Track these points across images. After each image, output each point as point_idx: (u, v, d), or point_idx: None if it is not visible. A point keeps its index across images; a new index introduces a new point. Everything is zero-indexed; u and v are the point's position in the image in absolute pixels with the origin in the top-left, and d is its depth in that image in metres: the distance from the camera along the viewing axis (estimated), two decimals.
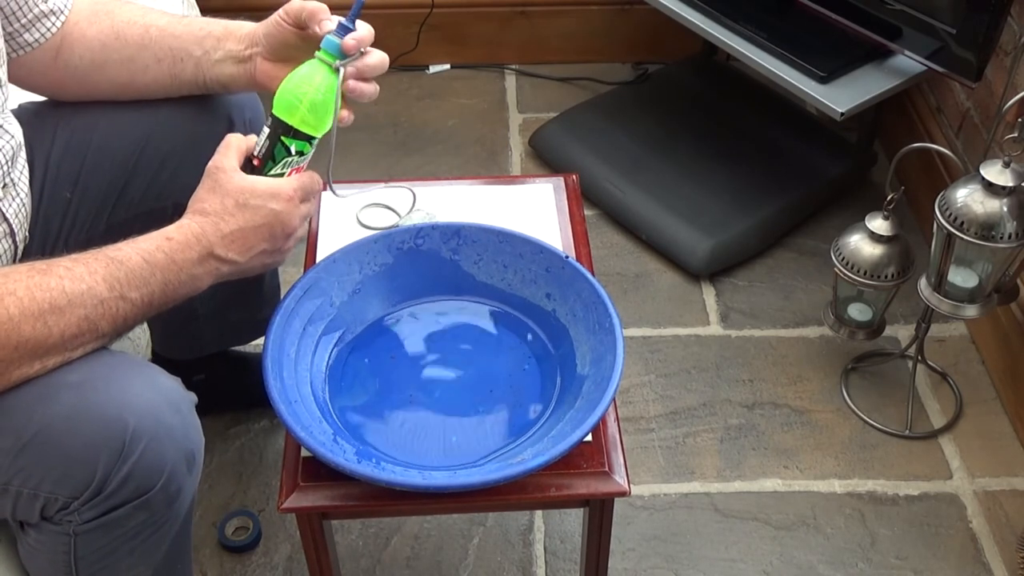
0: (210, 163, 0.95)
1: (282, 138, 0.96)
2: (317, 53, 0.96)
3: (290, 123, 0.95)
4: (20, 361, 0.83)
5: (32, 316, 0.82)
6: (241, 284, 1.32)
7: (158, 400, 0.88)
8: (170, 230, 0.92)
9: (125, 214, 1.13)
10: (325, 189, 1.06)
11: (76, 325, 0.85)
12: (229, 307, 1.33)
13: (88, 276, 0.86)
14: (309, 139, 0.97)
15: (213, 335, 1.38)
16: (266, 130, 0.97)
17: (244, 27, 1.06)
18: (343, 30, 0.95)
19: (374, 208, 1.23)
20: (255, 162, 0.96)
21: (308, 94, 0.95)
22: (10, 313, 0.81)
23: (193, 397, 0.93)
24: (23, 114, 1.11)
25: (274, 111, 0.96)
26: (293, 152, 0.96)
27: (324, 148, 0.99)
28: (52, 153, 1.09)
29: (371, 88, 0.99)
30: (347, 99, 0.99)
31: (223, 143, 0.97)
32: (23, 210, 1.02)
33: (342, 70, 0.95)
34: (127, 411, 0.85)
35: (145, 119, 1.11)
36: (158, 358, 1.44)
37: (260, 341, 1.43)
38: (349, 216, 1.22)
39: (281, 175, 0.97)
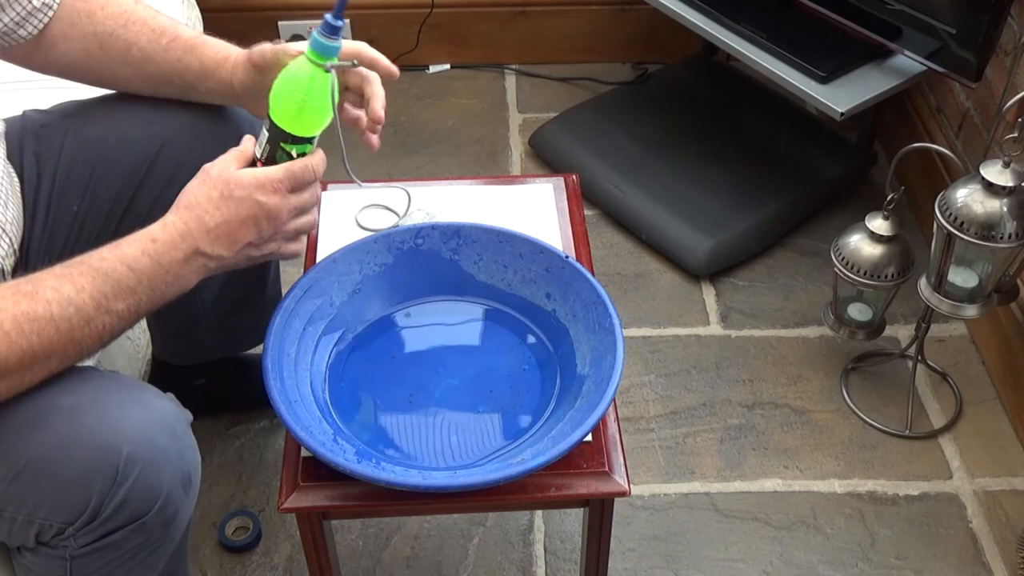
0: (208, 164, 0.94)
1: (282, 145, 0.94)
2: (306, 53, 0.92)
3: (288, 130, 0.93)
4: (6, 383, 0.82)
5: (20, 350, 0.81)
6: (243, 291, 1.32)
7: (152, 423, 0.86)
8: (155, 230, 0.90)
9: (131, 225, 1.11)
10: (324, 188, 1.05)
11: (63, 349, 0.84)
12: (230, 314, 1.32)
13: (76, 296, 0.84)
14: (309, 140, 0.96)
15: (214, 342, 1.37)
16: (265, 133, 0.95)
17: (221, 69, 1.04)
18: (329, 28, 0.91)
19: (373, 209, 1.23)
20: (258, 165, 0.95)
21: (301, 100, 0.92)
22: None
23: (188, 416, 0.92)
24: (29, 124, 1.09)
25: (271, 115, 0.94)
26: (295, 155, 0.94)
27: (334, 145, 0.98)
28: (60, 165, 1.07)
29: (375, 140, 1.02)
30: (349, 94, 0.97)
31: (229, 152, 0.95)
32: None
33: (334, 72, 0.93)
34: (120, 437, 0.84)
35: (157, 133, 1.10)
36: (158, 362, 1.44)
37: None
38: (348, 217, 1.22)
39: None
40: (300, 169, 0.93)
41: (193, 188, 0.92)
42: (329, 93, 0.93)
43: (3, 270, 0.99)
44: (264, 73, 0.99)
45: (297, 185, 0.93)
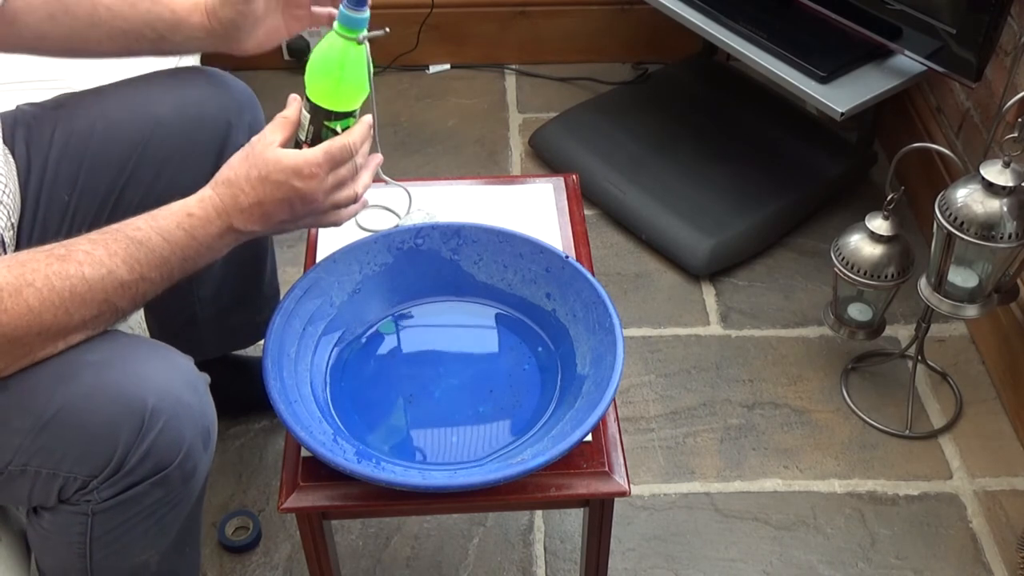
0: (258, 134, 0.95)
1: (326, 124, 0.95)
2: (336, 29, 0.93)
3: (329, 108, 0.94)
4: (44, 344, 0.84)
5: (53, 306, 0.82)
6: (241, 288, 1.32)
7: (176, 379, 0.89)
8: (191, 205, 0.91)
9: (123, 214, 1.12)
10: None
11: (97, 308, 0.86)
12: (228, 311, 1.33)
13: (108, 259, 0.86)
14: (350, 114, 0.96)
15: (213, 339, 1.38)
16: (307, 115, 0.95)
17: (194, 14, 1.04)
18: (355, 1, 0.92)
19: (373, 209, 1.23)
20: (304, 148, 0.96)
21: (339, 76, 0.94)
22: (30, 305, 0.81)
23: (207, 377, 0.94)
24: (21, 116, 1.10)
25: (309, 96, 0.95)
26: (339, 131, 0.96)
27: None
28: (51, 155, 1.09)
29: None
30: None
31: (275, 119, 0.95)
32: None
33: (367, 42, 0.94)
34: (146, 389, 0.86)
35: (144, 122, 1.11)
36: None
37: (261, 344, 1.43)
38: None
39: None
40: (339, 149, 0.94)
41: (235, 163, 0.93)
42: (365, 65, 0.94)
43: (3, 241, 1.00)
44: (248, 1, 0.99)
45: (336, 164, 0.94)
